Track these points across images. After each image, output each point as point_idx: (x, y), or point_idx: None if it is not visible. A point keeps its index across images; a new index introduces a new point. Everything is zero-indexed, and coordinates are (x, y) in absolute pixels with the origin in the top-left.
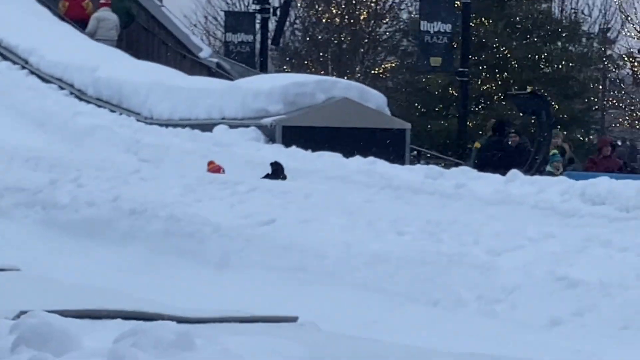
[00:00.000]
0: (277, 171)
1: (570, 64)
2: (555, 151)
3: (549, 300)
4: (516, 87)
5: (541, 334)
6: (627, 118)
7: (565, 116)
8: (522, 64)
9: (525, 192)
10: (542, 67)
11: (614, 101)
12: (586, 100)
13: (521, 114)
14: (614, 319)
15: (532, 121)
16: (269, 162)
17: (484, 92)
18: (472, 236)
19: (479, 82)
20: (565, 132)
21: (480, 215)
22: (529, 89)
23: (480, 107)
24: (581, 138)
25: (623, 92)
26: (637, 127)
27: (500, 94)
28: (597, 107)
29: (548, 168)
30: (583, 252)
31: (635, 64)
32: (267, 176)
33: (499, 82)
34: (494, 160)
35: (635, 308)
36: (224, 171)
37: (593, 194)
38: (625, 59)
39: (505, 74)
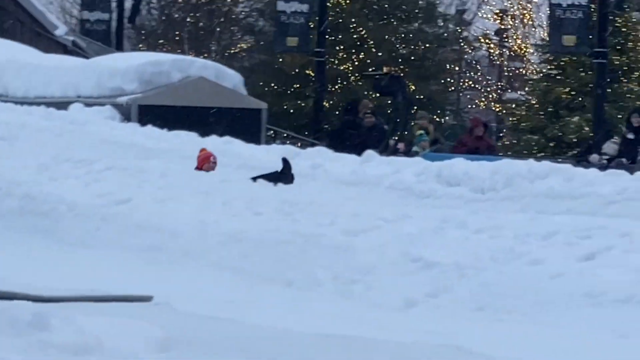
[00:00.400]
0: (286, 168)
1: (427, 45)
2: (422, 132)
3: (404, 281)
4: (373, 68)
5: (396, 314)
6: (482, 99)
7: (422, 97)
8: (379, 45)
9: (382, 173)
10: (399, 47)
11: (470, 82)
12: (442, 81)
13: (377, 95)
14: (468, 300)
15: (389, 102)
16: (280, 158)
17: (340, 72)
18: (329, 217)
19: (336, 63)
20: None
21: (336, 195)
22: (385, 69)
23: (336, 87)
24: (437, 119)
25: (479, 74)
26: (492, 108)
27: (356, 75)
28: (453, 88)
29: (415, 148)
30: (439, 234)
31: (491, 45)
32: (274, 173)
33: (356, 63)
34: (349, 140)
35: (489, 289)
36: (214, 159)
37: (449, 175)
38: (482, 40)
39: (362, 54)
